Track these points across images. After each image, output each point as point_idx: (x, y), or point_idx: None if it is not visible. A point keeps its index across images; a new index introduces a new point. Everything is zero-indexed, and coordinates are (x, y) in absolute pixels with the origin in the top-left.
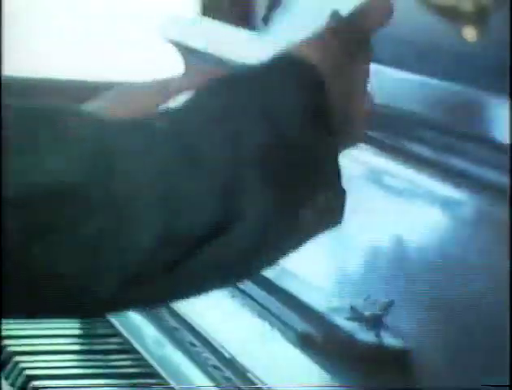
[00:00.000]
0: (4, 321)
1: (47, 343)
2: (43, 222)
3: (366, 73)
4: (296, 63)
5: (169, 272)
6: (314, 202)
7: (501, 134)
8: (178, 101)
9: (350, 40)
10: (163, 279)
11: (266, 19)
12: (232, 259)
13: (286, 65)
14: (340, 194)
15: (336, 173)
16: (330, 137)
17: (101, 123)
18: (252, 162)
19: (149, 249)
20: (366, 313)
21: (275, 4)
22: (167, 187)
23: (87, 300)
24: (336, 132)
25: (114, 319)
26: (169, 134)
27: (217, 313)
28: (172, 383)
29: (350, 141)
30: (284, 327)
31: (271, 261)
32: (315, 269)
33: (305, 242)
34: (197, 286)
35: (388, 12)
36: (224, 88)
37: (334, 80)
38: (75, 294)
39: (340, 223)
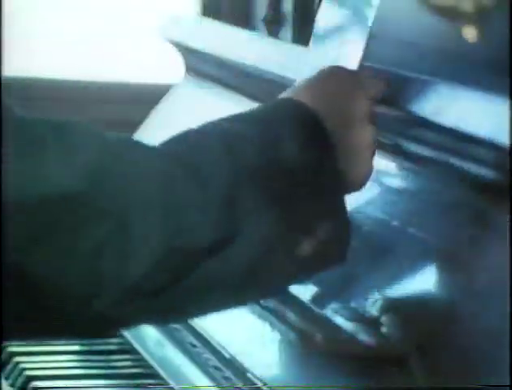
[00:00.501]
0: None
1: (47, 343)
2: (45, 228)
3: (363, 109)
4: (293, 105)
5: (168, 288)
6: (315, 232)
7: (501, 134)
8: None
9: (340, 81)
10: (162, 295)
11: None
12: (230, 277)
13: (285, 106)
14: (344, 227)
15: (338, 205)
16: (331, 168)
17: (106, 136)
18: (251, 183)
19: (150, 263)
20: (367, 313)
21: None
22: (169, 202)
23: (85, 311)
24: (340, 165)
25: None
26: (171, 152)
27: (217, 313)
28: (172, 384)
29: (355, 178)
30: (284, 327)
31: (269, 286)
32: None
33: (306, 274)
34: (195, 304)
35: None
36: (230, 119)
37: (327, 113)
38: (74, 303)
39: (343, 259)
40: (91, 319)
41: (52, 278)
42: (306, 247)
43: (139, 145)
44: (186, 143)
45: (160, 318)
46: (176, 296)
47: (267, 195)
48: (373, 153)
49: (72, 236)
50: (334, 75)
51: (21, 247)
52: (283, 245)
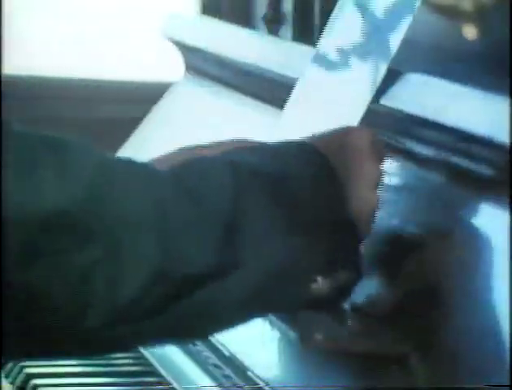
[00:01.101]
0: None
1: None
2: (39, 245)
3: (373, 178)
4: (305, 145)
5: (159, 312)
6: (322, 268)
7: (501, 133)
8: None
9: (357, 144)
10: (153, 319)
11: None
12: (226, 307)
13: (298, 146)
14: (354, 274)
15: (351, 251)
16: (338, 202)
17: (102, 156)
18: (258, 210)
19: (142, 286)
20: (367, 312)
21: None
22: (165, 225)
23: (78, 328)
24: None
25: None
26: (170, 175)
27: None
28: (172, 382)
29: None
30: (284, 326)
31: (267, 312)
32: None
33: (302, 309)
34: (186, 330)
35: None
36: (242, 150)
37: (335, 160)
38: (67, 319)
39: (345, 301)
40: (86, 337)
41: (48, 292)
42: (312, 281)
43: (135, 166)
44: (188, 167)
45: (161, 339)
46: (174, 319)
47: (275, 224)
48: (374, 217)
49: (63, 254)
50: (353, 136)
51: (18, 263)
52: (288, 276)
